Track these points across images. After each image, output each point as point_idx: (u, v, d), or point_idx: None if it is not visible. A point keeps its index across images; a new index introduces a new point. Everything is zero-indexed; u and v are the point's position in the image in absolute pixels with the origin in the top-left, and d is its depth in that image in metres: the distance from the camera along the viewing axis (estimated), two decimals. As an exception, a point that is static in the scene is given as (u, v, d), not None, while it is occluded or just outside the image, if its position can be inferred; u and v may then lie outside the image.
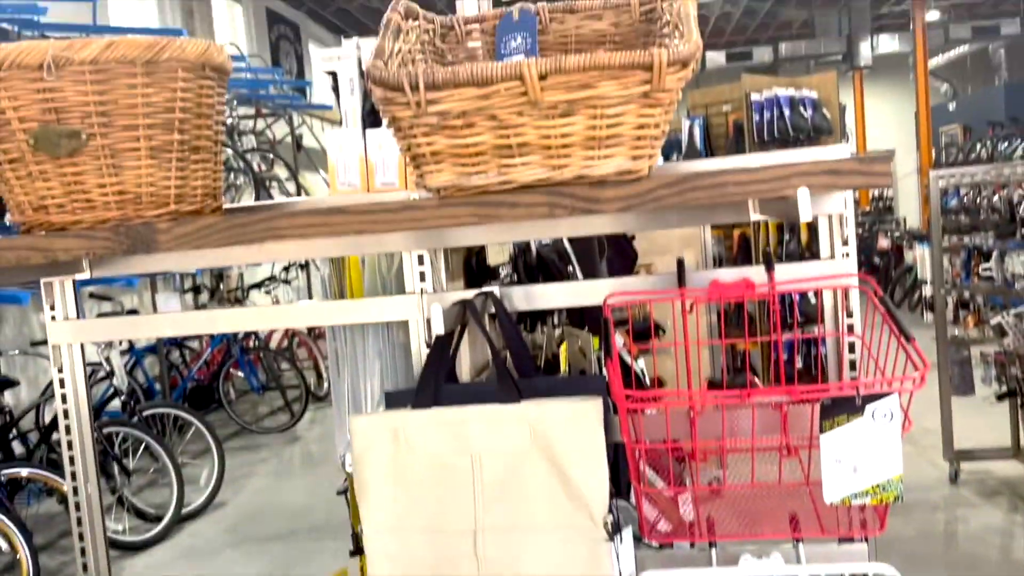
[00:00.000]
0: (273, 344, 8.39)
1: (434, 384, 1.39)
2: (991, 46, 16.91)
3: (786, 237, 5.41)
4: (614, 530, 1.28)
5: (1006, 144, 12.03)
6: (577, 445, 1.30)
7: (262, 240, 1.23)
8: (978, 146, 12.67)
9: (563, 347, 2.10)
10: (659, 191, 1.15)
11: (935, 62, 17.10)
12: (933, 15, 15.96)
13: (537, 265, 2.28)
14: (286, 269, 8.92)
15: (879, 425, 1.12)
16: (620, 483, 1.47)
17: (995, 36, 15.68)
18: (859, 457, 1.14)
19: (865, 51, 15.24)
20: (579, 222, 1.67)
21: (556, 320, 2.36)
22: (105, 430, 4.65)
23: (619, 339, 2.33)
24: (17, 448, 5.02)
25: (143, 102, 1.29)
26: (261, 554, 4.53)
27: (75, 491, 1.82)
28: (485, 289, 1.57)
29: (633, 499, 1.40)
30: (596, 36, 1.48)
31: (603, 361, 1.85)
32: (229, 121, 7.72)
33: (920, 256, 8.78)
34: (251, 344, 7.50)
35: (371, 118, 1.86)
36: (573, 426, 1.30)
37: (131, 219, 1.34)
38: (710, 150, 5.71)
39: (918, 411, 1.16)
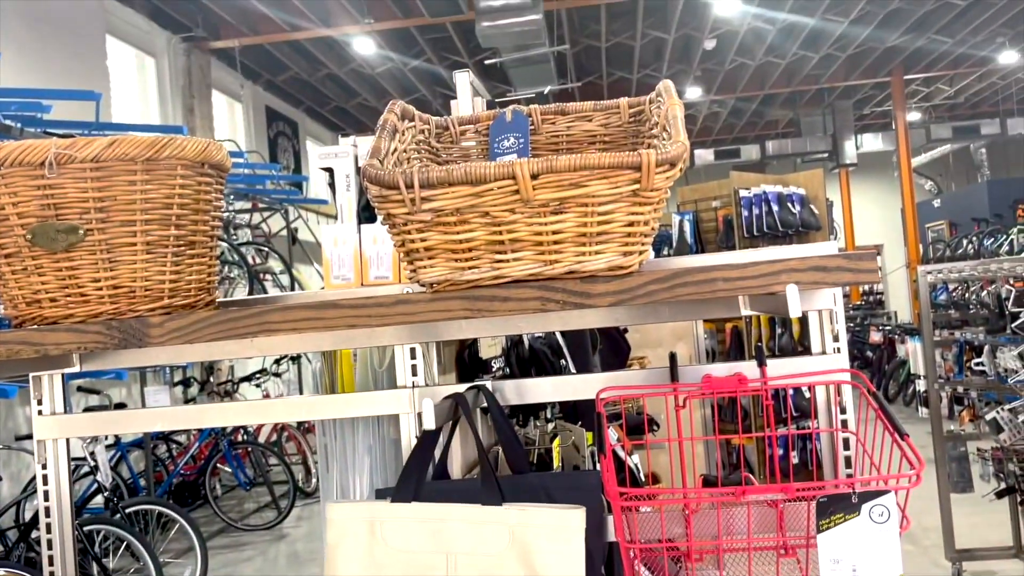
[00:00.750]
0: (262, 437, 8.27)
1: (416, 478, 1.36)
2: (972, 145, 17.37)
3: (778, 330, 5.42)
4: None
5: (991, 240, 12.23)
6: (555, 555, 1.25)
7: (255, 334, 1.23)
8: (964, 242, 12.87)
9: (556, 442, 2.08)
10: (650, 286, 1.16)
11: (918, 160, 17.53)
12: (914, 116, 16.48)
13: (530, 358, 2.28)
14: (277, 362, 8.87)
15: (877, 524, 1.10)
16: (615, 584, 1.43)
17: (975, 136, 16.13)
18: (858, 557, 1.11)
19: (850, 149, 15.64)
20: (571, 316, 1.67)
21: (549, 414, 2.34)
22: (86, 528, 4.53)
23: (613, 434, 2.31)
24: (-5, 546, 4.88)
25: (142, 198, 1.31)
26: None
27: (52, 592, 1.76)
28: (477, 383, 1.56)
29: (628, 601, 1.36)
30: (587, 136, 1.52)
31: (597, 456, 1.83)
32: (225, 215, 7.82)
33: (912, 350, 8.79)
34: (240, 438, 7.40)
35: (366, 213, 1.89)
36: (553, 534, 1.26)
37: (124, 313, 1.34)
38: (700, 244, 5.78)
39: (918, 508, 1.15)
